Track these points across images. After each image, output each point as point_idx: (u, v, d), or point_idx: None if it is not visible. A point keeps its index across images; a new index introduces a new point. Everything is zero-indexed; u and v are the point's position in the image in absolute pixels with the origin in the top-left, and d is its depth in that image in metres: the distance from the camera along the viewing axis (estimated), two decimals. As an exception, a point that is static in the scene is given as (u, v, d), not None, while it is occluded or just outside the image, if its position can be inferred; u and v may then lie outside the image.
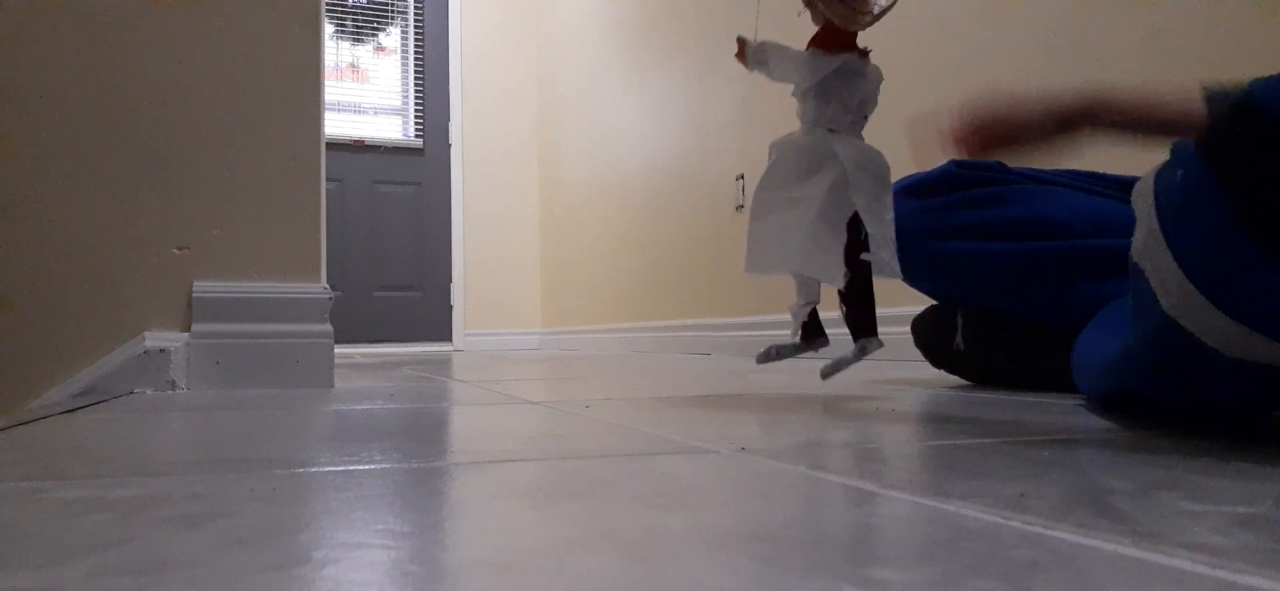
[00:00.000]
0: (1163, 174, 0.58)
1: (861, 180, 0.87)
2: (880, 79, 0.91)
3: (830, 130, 0.90)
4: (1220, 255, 0.53)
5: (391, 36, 5.03)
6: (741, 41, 0.96)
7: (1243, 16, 1.28)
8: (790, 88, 0.95)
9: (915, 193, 1.14)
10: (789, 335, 1.01)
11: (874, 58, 0.92)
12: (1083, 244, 1.05)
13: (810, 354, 1.01)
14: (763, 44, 0.96)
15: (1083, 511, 0.38)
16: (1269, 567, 0.29)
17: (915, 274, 1.15)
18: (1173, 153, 0.57)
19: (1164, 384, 0.65)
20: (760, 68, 0.96)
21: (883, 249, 0.87)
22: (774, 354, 1.02)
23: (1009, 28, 1.74)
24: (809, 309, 0.98)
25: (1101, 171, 1.15)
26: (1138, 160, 0.69)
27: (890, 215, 0.87)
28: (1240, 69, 0.55)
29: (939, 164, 1.13)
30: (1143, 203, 0.60)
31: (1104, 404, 0.83)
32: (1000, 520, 0.36)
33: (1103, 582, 0.28)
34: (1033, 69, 1.67)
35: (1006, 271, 1.10)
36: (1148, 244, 0.58)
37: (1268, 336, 0.53)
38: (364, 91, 4.97)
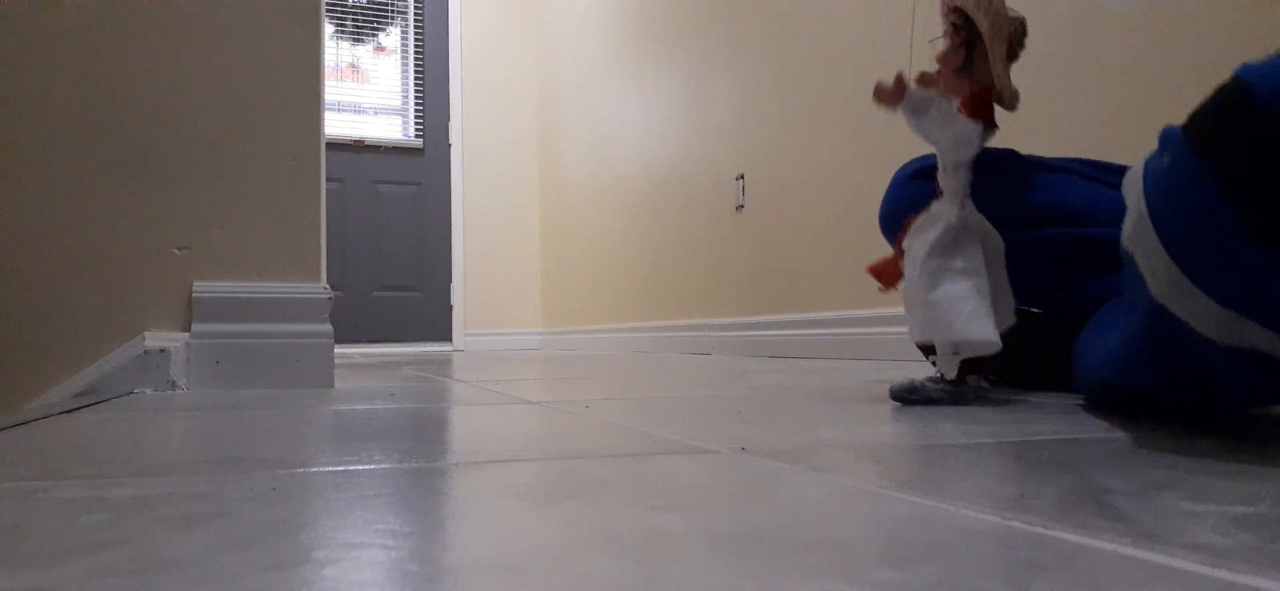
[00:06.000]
0: (1152, 160, 0.58)
1: (1000, 255, 0.95)
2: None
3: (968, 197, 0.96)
4: (1205, 238, 0.53)
5: (391, 36, 5.03)
6: (900, 81, 0.94)
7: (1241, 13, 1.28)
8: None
9: (923, 176, 1.12)
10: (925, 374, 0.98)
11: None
12: (1093, 233, 1.04)
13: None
14: (930, 96, 0.95)
15: (1083, 511, 0.38)
16: (1269, 567, 0.29)
17: None
18: (1162, 140, 0.57)
19: (1159, 374, 0.64)
20: (913, 117, 0.96)
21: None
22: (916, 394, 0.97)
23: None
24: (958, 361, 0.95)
25: (1111, 162, 1.14)
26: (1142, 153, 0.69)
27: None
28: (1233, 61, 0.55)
29: None
30: (1133, 190, 0.60)
31: (1103, 402, 0.83)
32: (1000, 520, 0.36)
33: (1103, 582, 0.28)
34: (1032, 75, 1.67)
35: (1017, 260, 1.09)
36: (1137, 229, 0.58)
37: (1254, 321, 0.52)
38: (364, 91, 4.97)
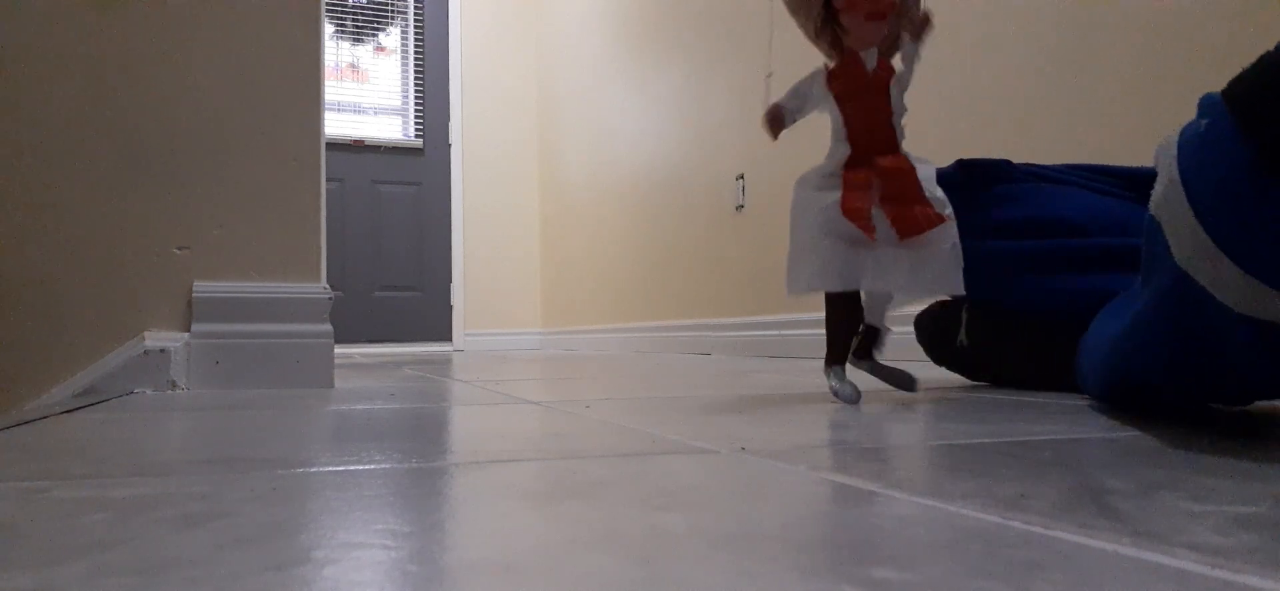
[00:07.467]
0: (1188, 126, 0.59)
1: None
2: None
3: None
4: (1235, 203, 0.53)
5: (391, 36, 5.03)
6: (773, 113, 0.97)
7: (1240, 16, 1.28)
8: (787, 87, 0.96)
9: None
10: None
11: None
12: (1089, 242, 1.05)
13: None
14: (795, 90, 0.98)
15: (1083, 511, 0.38)
16: (1269, 567, 0.29)
17: None
18: (1201, 106, 0.58)
19: (1170, 354, 0.64)
20: (799, 114, 0.98)
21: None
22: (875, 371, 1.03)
23: (1006, 25, 1.74)
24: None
25: (1109, 165, 1.14)
26: (1145, 156, 0.69)
27: None
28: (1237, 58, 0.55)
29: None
30: (1166, 155, 0.60)
31: (1108, 396, 0.83)
32: (1000, 520, 0.36)
33: (1103, 582, 0.28)
34: (1029, 71, 1.67)
35: (1013, 269, 1.09)
36: (1167, 194, 0.59)
37: (1276, 289, 0.52)
38: (364, 91, 4.97)
